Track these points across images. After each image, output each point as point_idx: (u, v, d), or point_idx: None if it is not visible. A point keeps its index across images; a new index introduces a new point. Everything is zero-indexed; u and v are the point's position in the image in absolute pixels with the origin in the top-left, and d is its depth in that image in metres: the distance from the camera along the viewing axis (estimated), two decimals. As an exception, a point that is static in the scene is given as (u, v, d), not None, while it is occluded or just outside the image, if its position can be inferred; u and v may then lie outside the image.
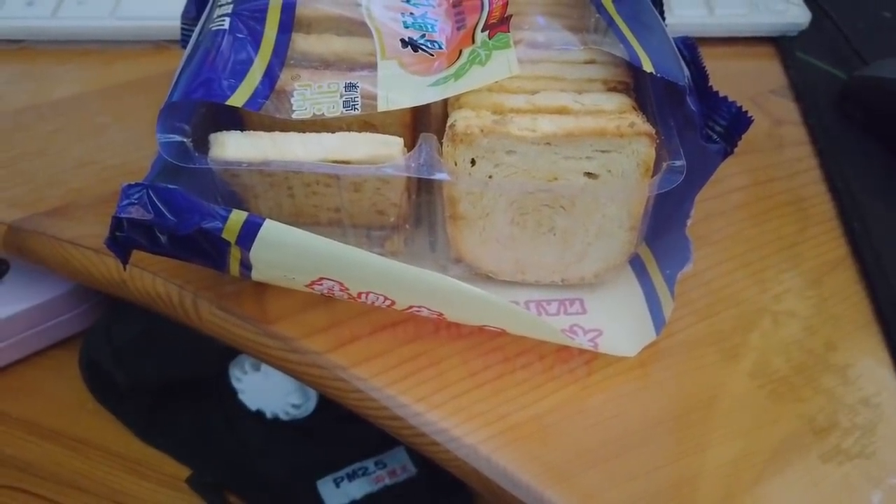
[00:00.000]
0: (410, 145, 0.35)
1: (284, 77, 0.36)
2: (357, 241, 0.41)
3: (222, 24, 0.37)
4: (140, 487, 0.51)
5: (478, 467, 0.34)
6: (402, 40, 0.38)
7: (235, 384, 0.53)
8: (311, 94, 0.35)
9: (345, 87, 0.36)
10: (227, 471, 0.52)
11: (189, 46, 0.38)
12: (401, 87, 0.36)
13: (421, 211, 0.41)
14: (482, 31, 0.37)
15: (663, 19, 0.42)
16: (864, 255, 0.42)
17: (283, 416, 0.53)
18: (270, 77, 0.36)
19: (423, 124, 0.39)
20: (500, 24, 0.38)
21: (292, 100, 0.35)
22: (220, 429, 0.53)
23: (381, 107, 0.35)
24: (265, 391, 0.52)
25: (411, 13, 0.40)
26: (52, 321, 0.53)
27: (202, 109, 0.36)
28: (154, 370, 0.53)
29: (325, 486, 0.51)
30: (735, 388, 0.36)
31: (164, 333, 0.50)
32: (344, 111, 0.35)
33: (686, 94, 0.34)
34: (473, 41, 0.37)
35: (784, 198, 0.46)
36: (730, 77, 0.56)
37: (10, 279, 0.53)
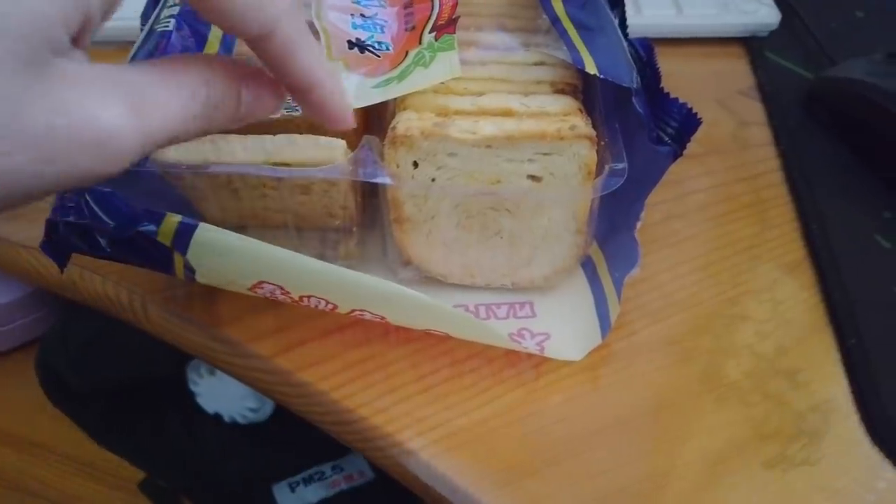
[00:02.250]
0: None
1: (228, 79, 0.36)
2: (310, 244, 0.40)
3: (167, 26, 0.37)
4: (96, 492, 0.51)
5: (418, 473, 0.34)
6: (350, 41, 0.38)
7: (193, 387, 0.52)
8: None
9: None
10: (183, 475, 0.51)
11: (134, 48, 0.37)
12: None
13: (375, 214, 0.41)
14: (430, 32, 0.37)
15: (624, 19, 0.42)
16: (821, 258, 0.42)
17: (240, 420, 0.53)
18: (213, 78, 0.35)
19: (375, 127, 0.38)
20: (447, 25, 0.37)
21: None
22: (177, 433, 0.53)
23: None
24: (222, 394, 0.52)
25: (361, 14, 0.39)
26: (10, 325, 0.53)
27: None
28: (110, 373, 0.53)
29: (281, 491, 0.51)
30: (682, 393, 0.36)
31: (120, 336, 0.50)
32: (285, 112, 0.34)
33: (632, 96, 0.33)
34: (420, 42, 0.37)
35: (745, 200, 0.46)
36: (698, 78, 0.56)
37: (-35, 283, 0.53)
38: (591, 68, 0.33)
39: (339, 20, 0.39)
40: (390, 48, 0.37)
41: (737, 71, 0.56)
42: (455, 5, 0.38)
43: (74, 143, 0.20)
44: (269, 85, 0.26)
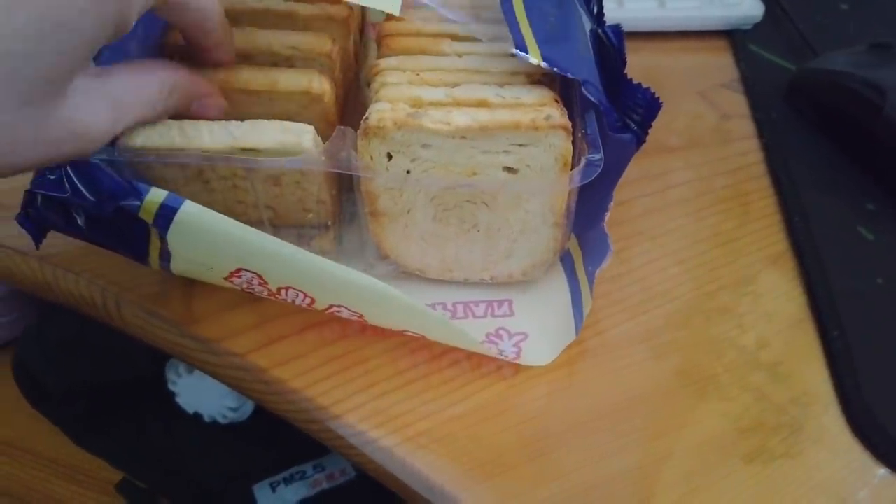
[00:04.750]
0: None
1: None
2: (287, 240, 0.40)
3: None
4: (73, 493, 0.50)
5: (392, 471, 0.33)
6: None
7: (171, 387, 0.51)
8: None
9: None
10: (163, 476, 0.51)
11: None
12: None
13: (353, 209, 0.40)
14: None
15: (601, 10, 0.41)
16: (803, 250, 0.41)
17: (220, 420, 0.52)
18: None
19: (351, 119, 0.38)
20: None
21: None
22: (157, 433, 0.52)
23: None
24: (201, 394, 0.51)
25: None
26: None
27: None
28: (87, 374, 0.52)
29: (262, 491, 0.50)
30: (661, 387, 0.36)
31: (97, 336, 0.49)
32: None
33: (580, 86, 0.33)
34: None
35: (727, 192, 0.45)
36: (680, 71, 0.56)
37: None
38: (535, 57, 0.33)
39: None
40: None
41: (720, 64, 0.56)
42: None
43: (67, 142, 0.28)
44: (213, 97, 0.34)
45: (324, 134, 0.34)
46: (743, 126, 0.50)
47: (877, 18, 0.59)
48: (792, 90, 0.51)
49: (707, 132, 0.49)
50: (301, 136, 0.32)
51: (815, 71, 0.50)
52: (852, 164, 0.46)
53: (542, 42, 0.33)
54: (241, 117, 0.34)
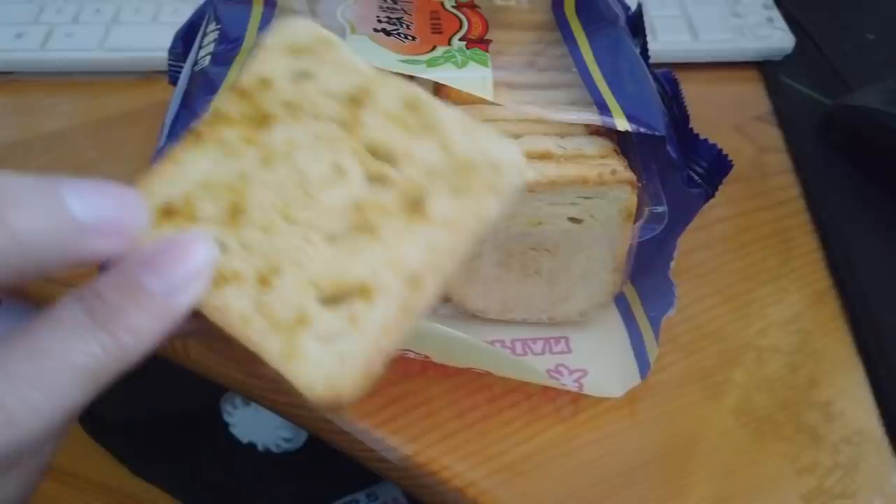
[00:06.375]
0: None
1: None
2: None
3: (204, 63, 0.37)
4: (132, 522, 0.51)
5: (465, 511, 0.34)
6: (375, 29, 0.38)
7: (227, 418, 0.53)
8: None
9: None
10: (219, 505, 0.52)
11: (180, 86, 0.38)
12: (366, 54, 0.35)
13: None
14: (459, 40, 0.38)
15: (646, 48, 0.42)
16: (847, 288, 0.42)
17: (274, 449, 0.54)
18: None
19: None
20: (478, 41, 0.38)
21: None
22: (211, 462, 0.53)
23: None
24: (256, 424, 0.52)
25: (388, 17, 0.40)
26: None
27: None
28: (145, 404, 0.53)
29: (316, 521, 0.52)
30: (718, 427, 0.37)
31: (156, 368, 0.50)
32: None
33: (665, 143, 0.34)
34: (449, 44, 0.37)
35: (768, 229, 0.47)
36: (714, 103, 0.57)
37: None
38: (621, 123, 0.34)
39: (365, 17, 0.39)
40: (416, 40, 0.38)
41: (753, 96, 0.57)
42: (485, 26, 0.39)
43: None
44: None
45: None
46: (780, 160, 0.51)
47: (904, 49, 0.60)
48: (826, 125, 0.52)
49: (746, 166, 0.51)
50: None
51: (849, 108, 0.51)
52: (890, 200, 0.47)
53: (621, 98, 0.34)
54: None
